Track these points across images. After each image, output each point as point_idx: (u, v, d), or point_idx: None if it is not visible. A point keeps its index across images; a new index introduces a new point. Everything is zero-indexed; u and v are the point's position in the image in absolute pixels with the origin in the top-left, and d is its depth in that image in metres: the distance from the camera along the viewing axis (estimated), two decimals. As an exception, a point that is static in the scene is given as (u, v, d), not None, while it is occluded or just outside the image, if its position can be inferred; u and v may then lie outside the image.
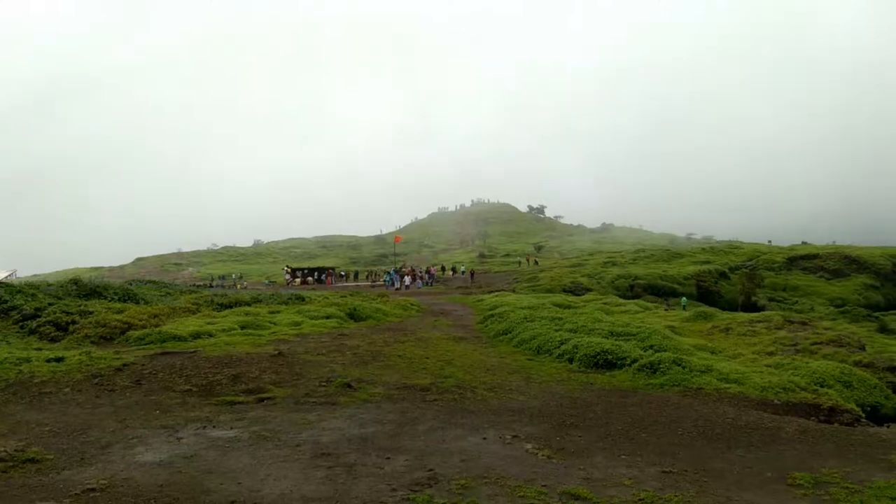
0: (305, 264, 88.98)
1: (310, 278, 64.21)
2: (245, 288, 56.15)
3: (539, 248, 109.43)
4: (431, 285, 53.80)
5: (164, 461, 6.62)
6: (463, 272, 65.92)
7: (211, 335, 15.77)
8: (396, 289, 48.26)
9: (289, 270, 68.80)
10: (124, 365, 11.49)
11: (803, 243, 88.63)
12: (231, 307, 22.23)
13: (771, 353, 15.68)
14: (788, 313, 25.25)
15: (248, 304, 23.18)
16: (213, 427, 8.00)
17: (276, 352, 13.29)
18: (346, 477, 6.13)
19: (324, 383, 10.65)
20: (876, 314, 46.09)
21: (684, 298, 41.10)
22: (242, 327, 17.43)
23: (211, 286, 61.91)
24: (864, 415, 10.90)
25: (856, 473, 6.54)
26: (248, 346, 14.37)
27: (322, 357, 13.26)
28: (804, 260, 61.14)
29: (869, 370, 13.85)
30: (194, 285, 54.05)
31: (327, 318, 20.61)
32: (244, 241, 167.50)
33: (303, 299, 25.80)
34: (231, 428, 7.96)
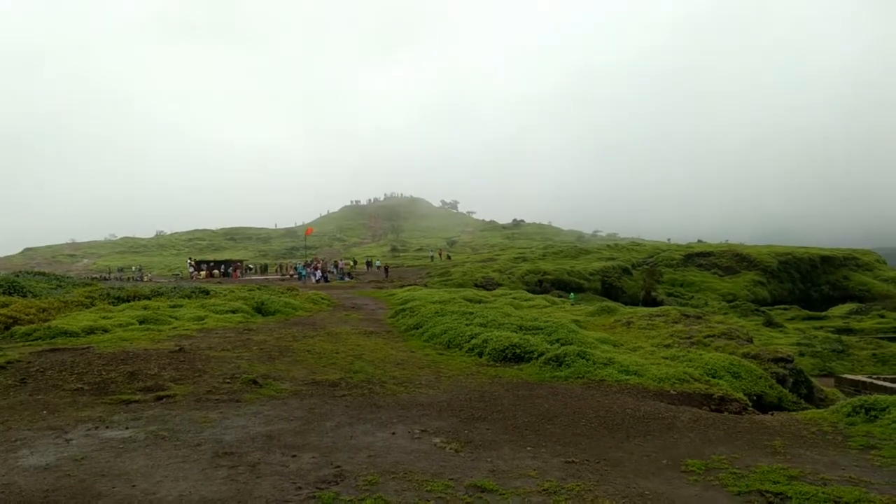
0: (211, 257, 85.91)
1: (216, 271, 62.02)
2: (151, 280, 53.69)
3: (452, 243, 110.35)
4: (342, 279, 53.18)
5: (50, 464, 6.20)
6: (378, 266, 65.28)
7: (106, 330, 14.96)
8: (316, 281, 47.45)
9: (193, 263, 66.17)
10: (8, 363, 10.70)
11: (699, 241, 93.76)
12: (129, 301, 21.15)
13: (668, 346, 16.46)
14: (685, 308, 26.61)
15: (148, 298, 22.12)
16: (107, 427, 7.58)
17: (177, 347, 12.75)
18: (250, 476, 5.95)
19: (228, 380, 10.31)
20: (763, 309, 49.42)
21: (573, 294, 42.71)
22: (141, 322, 16.63)
23: (108, 279, 58.77)
24: (750, 403, 11.62)
25: (742, 459, 6.96)
26: (146, 341, 13.72)
27: (227, 353, 12.83)
28: (700, 257, 64.72)
29: (755, 361, 14.78)
30: (90, 278, 51.15)
31: (233, 312, 19.98)
32: (146, 231, 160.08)
33: (207, 293, 24.87)
34: (126, 428, 7.56)
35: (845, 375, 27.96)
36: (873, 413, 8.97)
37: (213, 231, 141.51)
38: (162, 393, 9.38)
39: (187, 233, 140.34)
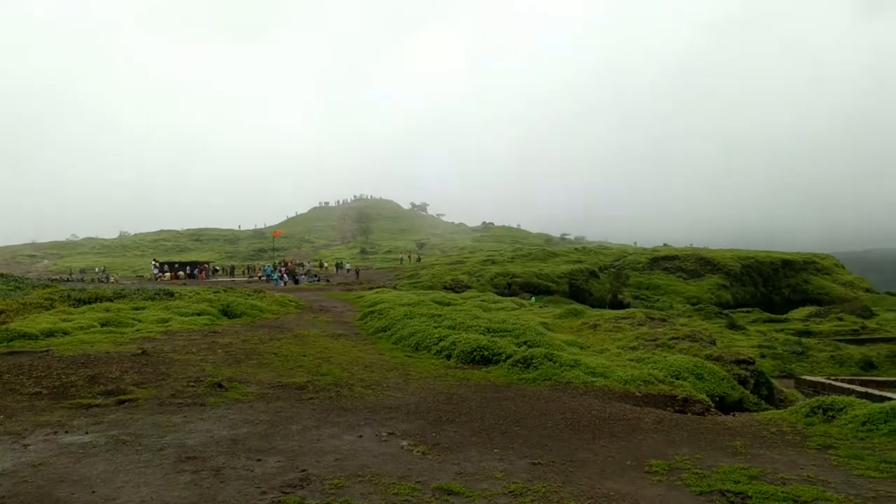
0: (177, 258, 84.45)
1: (181, 273, 61.00)
2: (117, 281, 52.65)
3: (421, 246, 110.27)
4: (313, 281, 52.76)
5: (6, 470, 6.03)
6: (348, 269, 64.48)
7: (66, 333, 14.61)
8: (284, 284, 47.02)
9: (157, 264, 65.01)
10: (-38, 366, 10.39)
11: (665, 245, 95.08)
12: (90, 303, 20.68)
13: (634, 348, 16.66)
14: (650, 310, 26.96)
15: (110, 300, 21.66)
16: (66, 432, 7.40)
17: (140, 350, 12.52)
18: (213, 481, 5.86)
19: (192, 383, 10.14)
20: (726, 312, 50.37)
21: (533, 297, 43.09)
22: (103, 324, 16.27)
23: (69, 280, 57.47)
24: (713, 404, 11.84)
25: (705, 459, 7.09)
26: (108, 344, 13.44)
27: (191, 356, 12.63)
28: (665, 261, 65.74)
29: (718, 363, 15.04)
30: (49, 279, 49.94)
31: (198, 314, 19.68)
32: (109, 232, 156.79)
33: (172, 295, 24.45)
34: (86, 433, 7.39)
35: (804, 377, 28.61)
36: (831, 413, 9.21)
37: (178, 232, 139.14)
38: (124, 397, 9.19)
39: (152, 233, 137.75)
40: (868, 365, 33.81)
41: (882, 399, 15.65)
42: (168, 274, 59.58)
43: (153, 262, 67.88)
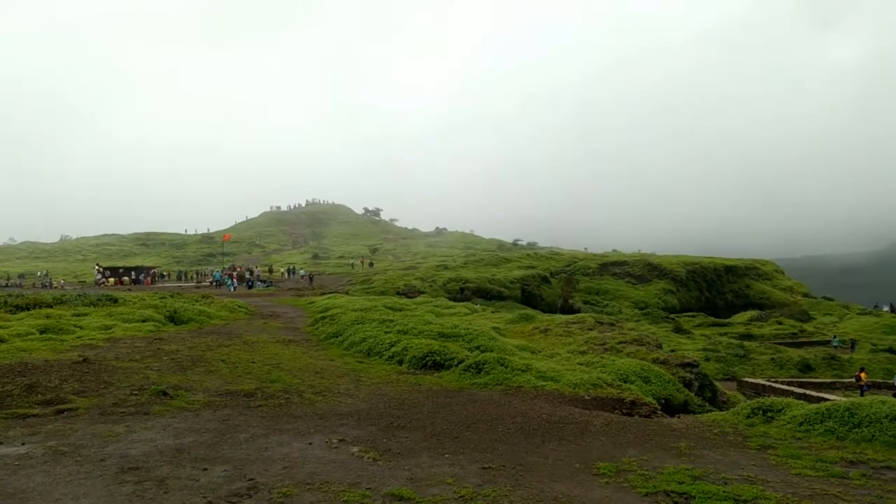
0: (121, 263, 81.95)
1: (126, 278, 59.19)
2: (62, 287, 50.71)
3: (374, 251, 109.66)
4: (265, 286, 51.88)
5: (-67, 486, 5.75)
6: (303, 275, 62.42)
7: (2, 340, 14.02)
8: (234, 289, 46.08)
9: (101, 269, 62.91)
10: None
11: (614, 251, 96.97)
12: (28, 309, 19.89)
13: (583, 352, 16.93)
14: (599, 315, 27.45)
15: (50, 306, 20.86)
16: (0, 444, 7.10)
17: (82, 358, 12.11)
18: (157, 491, 5.71)
19: (136, 391, 9.86)
20: (672, 316, 51.68)
21: (479, 305, 43.36)
22: (42, 331, 15.68)
23: (7, 285, 55.28)
24: (659, 407, 12.12)
25: (651, 461, 7.24)
26: (47, 352, 12.97)
27: (135, 363, 12.28)
28: (614, 266, 66.99)
29: (664, 366, 15.43)
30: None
31: (143, 321, 19.15)
32: (49, 236, 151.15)
33: (116, 301, 23.71)
34: (22, 444, 7.10)
35: (746, 378, 29.69)
36: (770, 414, 9.54)
37: (123, 236, 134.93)
38: (63, 406, 8.87)
39: (95, 237, 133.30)
40: (806, 367, 35.15)
41: (819, 400, 16.29)
42: (112, 279, 57.73)
43: (97, 268, 65.63)
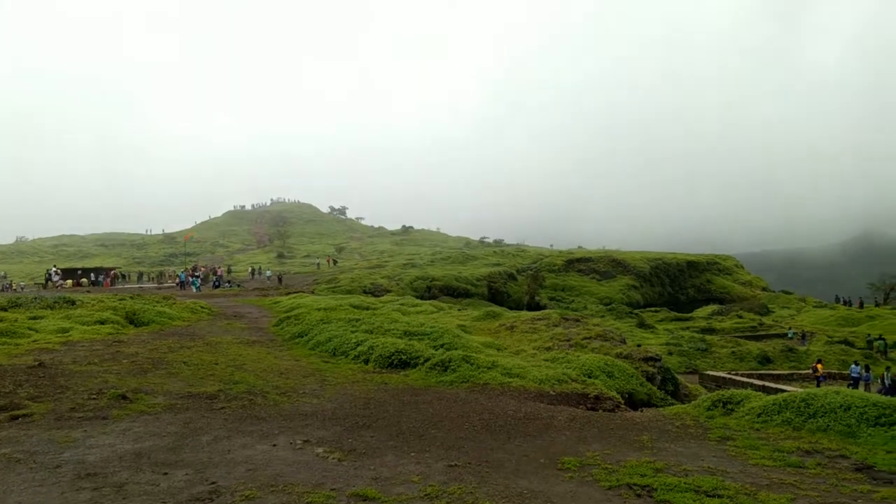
0: (80, 264, 79.89)
1: (84, 280, 57.74)
2: (22, 289, 49.13)
3: (340, 250, 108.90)
4: (229, 286, 51.12)
5: None
6: (269, 276, 60.43)
7: (-48, 346, 13.56)
8: (197, 289, 45.24)
9: (57, 271, 61.24)
10: None
11: (579, 247, 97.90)
12: (-20, 313, 19.27)
13: (549, 349, 17.08)
14: (565, 311, 27.69)
15: (4, 309, 20.25)
16: (-50, 453, 6.86)
17: (37, 362, 11.77)
18: (115, 498, 5.58)
19: (94, 395, 9.62)
20: (636, 311, 52.45)
21: (446, 300, 43.55)
22: (-5, 336, 15.19)
23: (-43, 289, 53.41)
24: (623, 401, 12.29)
25: (614, 455, 7.34)
26: (1, 356, 12.57)
27: (93, 367, 11.98)
28: (580, 263, 67.70)
29: (628, 361, 15.64)
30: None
31: (101, 323, 18.70)
32: (4, 237, 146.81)
33: (73, 303, 23.12)
34: (-27, 453, 6.88)
35: (708, 372, 30.32)
36: (730, 406, 9.74)
37: (81, 237, 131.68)
38: (17, 412, 8.61)
39: (52, 238, 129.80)
40: (765, 359, 36.03)
41: (777, 391, 16.72)
42: (70, 281, 56.25)
43: (53, 269, 63.80)
